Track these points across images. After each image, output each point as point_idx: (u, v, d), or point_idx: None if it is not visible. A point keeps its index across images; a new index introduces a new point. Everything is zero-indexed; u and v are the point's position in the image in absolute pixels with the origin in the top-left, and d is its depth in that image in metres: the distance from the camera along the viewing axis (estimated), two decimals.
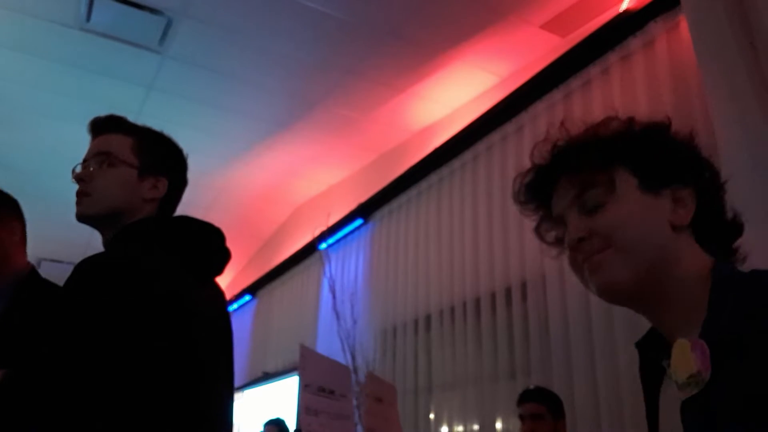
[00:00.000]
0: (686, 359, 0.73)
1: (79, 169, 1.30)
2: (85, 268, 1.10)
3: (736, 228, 0.87)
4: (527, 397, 2.52)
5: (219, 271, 1.32)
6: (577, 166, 0.85)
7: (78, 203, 1.27)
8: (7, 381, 1.05)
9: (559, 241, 0.92)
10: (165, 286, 1.14)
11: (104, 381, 1.01)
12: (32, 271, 1.71)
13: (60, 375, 1.00)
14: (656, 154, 0.84)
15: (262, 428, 4.35)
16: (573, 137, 0.89)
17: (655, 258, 0.78)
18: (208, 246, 1.30)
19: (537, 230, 0.94)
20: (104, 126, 1.34)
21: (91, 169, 1.28)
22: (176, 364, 1.09)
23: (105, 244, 1.29)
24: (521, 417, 2.51)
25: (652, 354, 0.85)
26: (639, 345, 0.89)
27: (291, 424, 4.34)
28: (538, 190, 0.91)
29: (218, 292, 1.34)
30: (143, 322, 1.06)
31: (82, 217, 1.28)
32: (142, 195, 1.29)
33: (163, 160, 1.34)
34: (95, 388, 1.00)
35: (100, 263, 1.11)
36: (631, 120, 0.88)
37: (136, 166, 1.30)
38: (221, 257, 1.32)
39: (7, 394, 1.00)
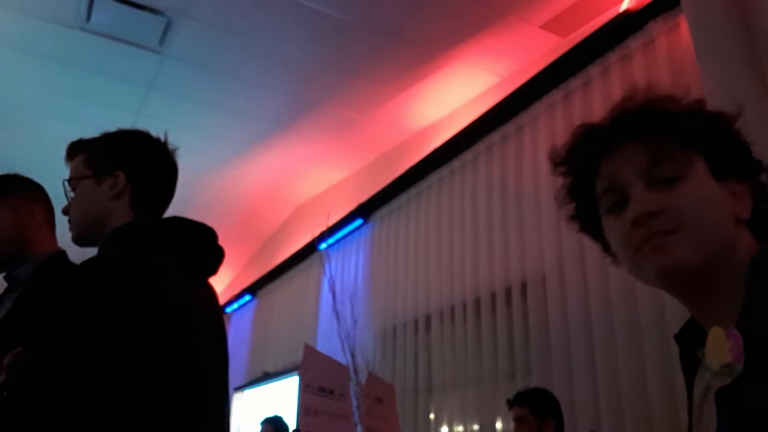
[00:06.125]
0: (720, 348, 0.71)
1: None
2: (83, 270, 1.10)
3: None
4: (511, 402, 2.55)
5: (213, 270, 1.32)
6: (656, 134, 0.79)
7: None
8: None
9: (586, 214, 0.87)
10: (164, 284, 1.14)
11: (99, 382, 1.01)
12: (57, 255, 1.69)
13: (56, 375, 1.00)
14: (728, 143, 0.81)
15: (259, 426, 4.35)
16: (648, 103, 0.82)
17: (723, 246, 0.75)
18: (202, 245, 1.30)
19: (563, 198, 0.89)
20: (67, 157, 1.39)
21: (67, 201, 1.36)
22: (174, 363, 1.09)
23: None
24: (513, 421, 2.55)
25: (689, 345, 0.82)
26: (677, 337, 0.85)
27: (291, 423, 4.34)
28: (590, 150, 0.84)
29: (212, 292, 1.34)
30: (142, 321, 1.06)
31: (75, 243, 1.36)
32: (106, 197, 1.30)
33: (111, 157, 1.33)
34: (90, 389, 1.00)
35: (97, 264, 1.11)
36: (702, 102, 0.83)
37: (90, 175, 1.32)
38: (215, 257, 1.32)
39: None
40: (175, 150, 1.37)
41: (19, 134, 4.63)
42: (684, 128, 0.80)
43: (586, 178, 0.85)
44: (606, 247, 0.87)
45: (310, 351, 1.39)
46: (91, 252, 1.17)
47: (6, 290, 1.67)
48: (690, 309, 0.81)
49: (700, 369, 0.80)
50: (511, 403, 2.56)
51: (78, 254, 1.41)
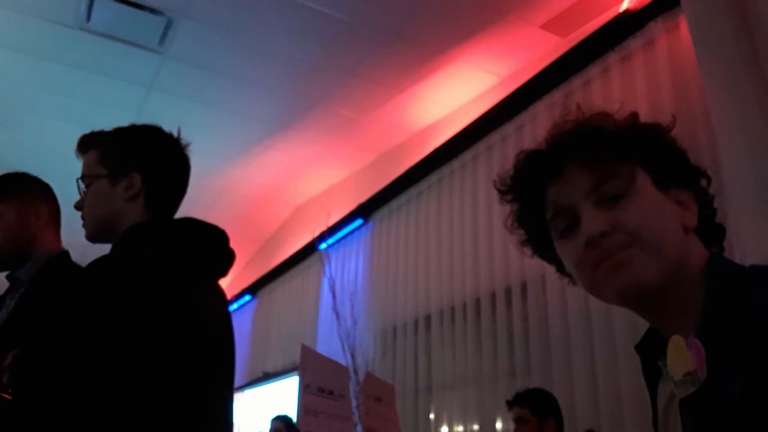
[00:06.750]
0: (682, 356, 0.71)
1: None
2: (90, 269, 1.11)
3: (723, 231, 0.86)
4: (511, 402, 2.56)
5: (223, 272, 1.31)
6: (597, 154, 0.79)
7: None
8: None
9: (538, 238, 0.88)
10: (168, 284, 1.14)
11: (104, 380, 1.01)
12: (62, 255, 1.69)
13: (60, 373, 1.00)
14: (666, 152, 0.82)
15: (269, 424, 4.36)
16: (584, 123, 0.83)
17: (677, 258, 0.76)
18: (211, 247, 1.29)
19: (513, 225, 0.89)
20: (79, 150, 1.36)
21: (80, 196, 1.34)
22: (177, 363, 1.09)
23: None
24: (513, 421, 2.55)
25: (650, 355, 0.83)
26: (638, 347, 0.86)
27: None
28: (533, 177, 0.84)
29: (221, 293, 1.33)
30: (146, 321, 1.06)
31: (88, 240, 1.34)
32: (120, 198, 1.28)
33: (127, 157, 1.30)
34: (95, 387, 1.00)
35: (104, 263, 1.12)
36: (635, 115, 0.85)
37: (105, 174, 1.30)
38: (225, 259, 1.31)
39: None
40: (187, 145, 1.35)
41: (19, 134, 4.63)
42: (622, 143, 0.80)
43: (534, 204, 0.85)
44: (560, 268, 0.88)
45: (307, 351, 1.39)
46: (94, 254, 1.17)
47: (8, 290, 1.67)
48: (649, 321, 0.82)
49: (662, 378, 0.80)
50: (510, 404, 2.56)
51: (81, 255, 1.41)
